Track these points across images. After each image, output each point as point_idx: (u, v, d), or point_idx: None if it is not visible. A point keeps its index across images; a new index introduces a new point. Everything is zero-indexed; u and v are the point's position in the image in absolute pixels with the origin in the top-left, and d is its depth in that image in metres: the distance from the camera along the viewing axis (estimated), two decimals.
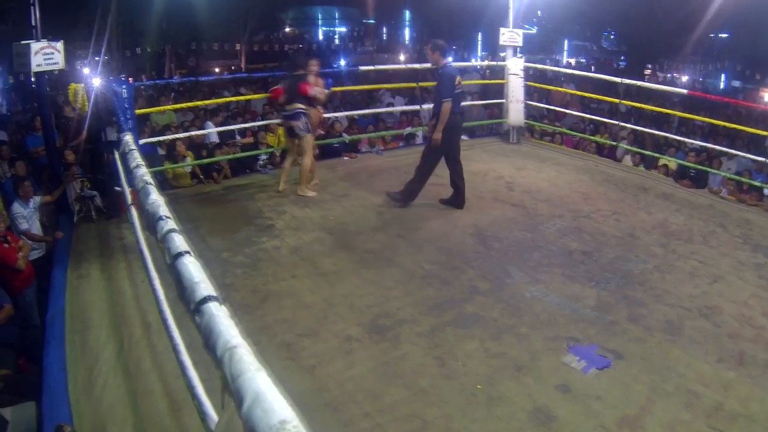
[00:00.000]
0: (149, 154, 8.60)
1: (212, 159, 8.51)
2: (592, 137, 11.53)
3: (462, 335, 4.49)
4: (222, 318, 2.05)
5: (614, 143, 10.90)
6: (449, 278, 5.38)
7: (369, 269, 5.53)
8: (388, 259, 5.71)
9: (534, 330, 4.59)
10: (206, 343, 1.98)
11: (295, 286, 5.23)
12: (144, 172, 4.45)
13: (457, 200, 7.10)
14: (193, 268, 2.52)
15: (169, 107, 11.02)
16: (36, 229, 7.05)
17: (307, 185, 7.49)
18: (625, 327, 4.71)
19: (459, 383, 3.95)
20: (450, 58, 7.06)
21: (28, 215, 6.91)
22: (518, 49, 10.42)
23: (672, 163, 10.01)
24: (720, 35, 29.38)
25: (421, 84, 10.62)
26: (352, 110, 12.10)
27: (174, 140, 8.61)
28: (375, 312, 4.77)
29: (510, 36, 10.15)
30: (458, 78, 6.86)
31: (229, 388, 1.72)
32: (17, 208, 6.86)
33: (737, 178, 8.96)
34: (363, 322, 4.64)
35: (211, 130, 9.90)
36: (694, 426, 3.65)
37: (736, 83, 29.87)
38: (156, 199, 3.62)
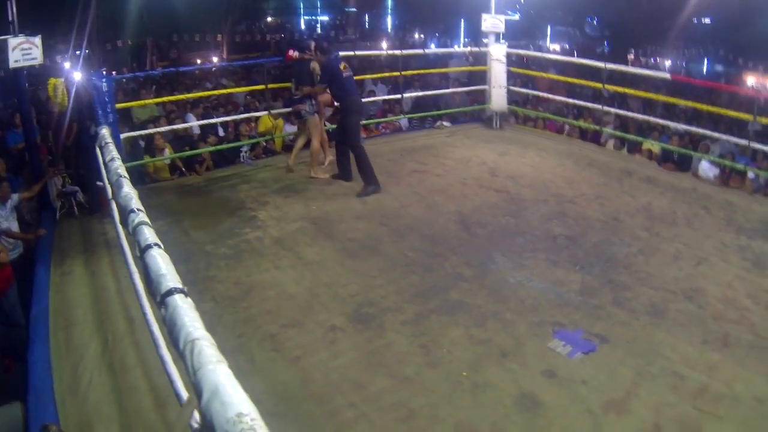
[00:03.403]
0: (132, 147, 8.55)
1: (192, 152, 8.44)
2: (575, 122, 11.50)
3: (446, 322, 4.47)
4: (186, 310, 2.03)
5: (597, 128, 10.88)
6: (433, 265, 5.36)
7: (352, 258, 5.51)
8: (371, 248, 5.68)
9: (519, 316, 4.58)
10: (170, 335, 1.97)
11: (279, 276, 5.20)
12: (118, 165, 4.42)
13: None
14: (160, 260, 2.51)
15: (150, 101, 10.87)
16: (15, 227, 6.95)
17: (319, 166, 7.86)
18: (609, 311, 4.70)
19: (444, 371, 3.94)
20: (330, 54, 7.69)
21: (5, 215, 6.80)
22: (501, 35, 10.37)
23: (656, 147, 10.01)
24: (703, 20, 29.45)
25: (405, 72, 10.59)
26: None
27: (154, 133, 8.51)
28: (359, 301, 4.75)
29: (492, 22, 10.11)
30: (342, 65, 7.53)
31: (190, 381, 1.70)
32: None
33: (721, 160, 8.97)
34: (347, 311, 4.62)
35: (193, 123, 9.79)
36: (679, 408, 3.66)
37: (719, 68, 29.99)
38: (128, 192, 3.63)
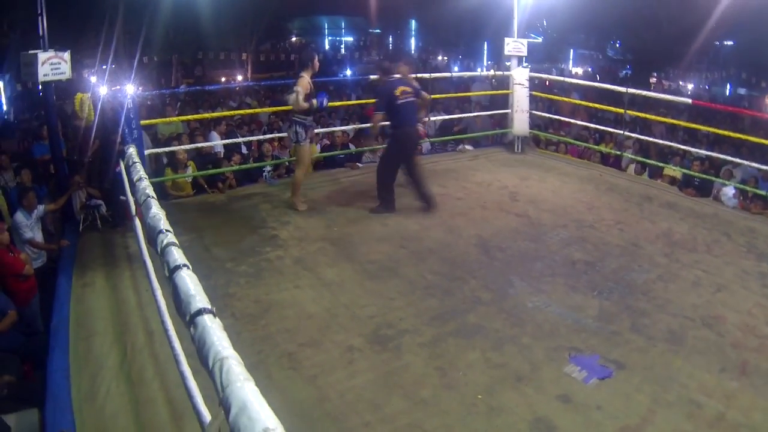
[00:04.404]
0: (156, 163, 8.68)
1: (215, 171, 8.54)
2: (596, 146, 11.51)
3: (463, 345, 4.49)
4: (215, 330, 2.11)
5: (619, 152, 10.88)
6: (452, 288, 5.39)
7: (371, 280, 5.54)
8: (390, 270, 5.71)
9: (536, 340, 4.59)
10: (199, 354, 2.05)
11: (298, 296, 5.24)
12: (146, 185, 4.51)
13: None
14: (189, 281, 2.59)
15: (174, 119, 11.05)
16: (39, 238, 7.10)
17: (298, 197, 7.34)
18: (627, 337, 4.70)
19: (459, 393, 3.96)
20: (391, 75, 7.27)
21: (30, 225, 6.97)
22: (523, 59, 10.43)
23: (677, 172, 9.99)
24: (725, 43, 29.34)
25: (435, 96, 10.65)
26: (358, 121, 12.13)
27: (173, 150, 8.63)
28: (377, 322, 4.78)
29: (515, 46, 10.18)
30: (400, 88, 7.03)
31: (218, 397, 1.79)
32: (20, 217, 6.94)
33: (742, 186, 8.94)
34: (365, 332, 4.65)
35: (217, 143, 9.93)
36: None
37: (742, 91, 29.83)
38: (156, 212, 3.69)
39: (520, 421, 3.71)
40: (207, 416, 2.35)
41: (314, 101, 6.96)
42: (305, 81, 6.90)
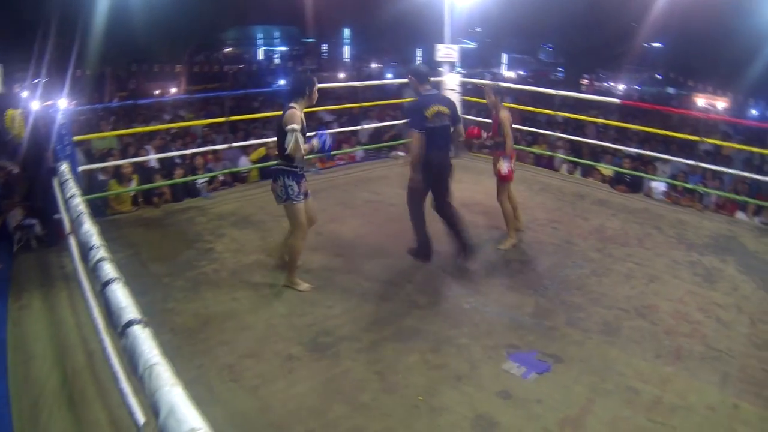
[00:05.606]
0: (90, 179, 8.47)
1: (162, 183, 8.39)
2: (529, 148, 11.68)
3: (402, 349, 4.49)
4: (144, 339, 2.16)
5: (551, 153, 11.07)
6: (388, 294, 5.39)
7: (309, 289, 5.50)
8: (326, 279, 5.68)
9: (473, 340, 4.62)
10: (130, 363, 2.10)
11: (236, 308, 5.17)
12: (79, 202, 4.41)
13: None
14: (120, 294, 2.59)
15: (108, 134, 10.82)
16: None
17: (295, 273, 5.58)
18: (563, 332, 4.78)
19: (400, 396, 3.96)
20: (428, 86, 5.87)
21: None
22: (455, 65, 10.53)
23: (608, 170, 10.21)
24: (654, 45, 30.25)
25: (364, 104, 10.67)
26: None
27: (115, 164, 8.45)
28: (315, 330, 4.75)
29: (446, 52, 10.26)
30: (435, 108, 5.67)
31: (148, 402, 1.84)
32: None
33: (672, 181, 9.19)
34: (303, 340, 4.61)
35: (152, 157, 9.77)
36: (634, 421, 3.75)
37: (671, 90, 30.79)
38: (89, 228, 3.64)
39: (462, 419, 3.73)
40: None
41: (315, 142, 5.29)
42: (298, 116, 5.08)
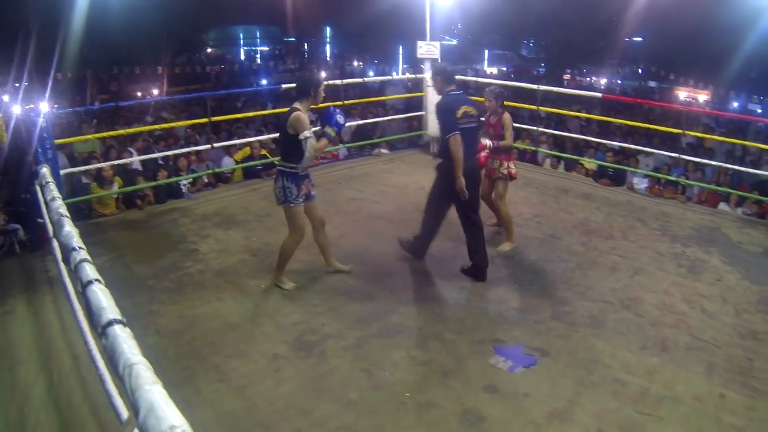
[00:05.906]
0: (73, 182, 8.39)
1: (145, 185, 8.31)
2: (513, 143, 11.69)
3: (388, 346, 4.48)
4: (124, 339, 2.16)
5: (534, 148, 11.09)
6: (373, 291, 5.38)
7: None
8: (311, 277, 5.66)
9: (459, 335, 4.62)
10: (110, 362, 2.10)
11: (221, 308, 5.14)
12: (59, 205, 4.38)
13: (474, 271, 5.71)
14: (101, 294, 2.59)
15: (90, 136, 10.72)
16: None
17: (282, 271, 5.52)
18: (549, 325, 4.79)
19: (387, 393, 3.95)
20: (453, 86, 5.56)
21: None
22: (437, 61, 10.51)
23: (591, 164, 10.25)
24: (634, 39, 30.42)
25: (346, 102, 10.63)
26: (274, 131, 12.00)
27: (98, 167, 8.37)
28: (301, 329, 4.73)
29: (427, 49, 10.25)
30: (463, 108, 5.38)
31: (129, 401, 1.85)
32: None
33: (653, 173, 9.23)
34: (289, 339, 4.59)
35: (134, 159, 9.69)
36: (621, 413, 3.77)
37: (652, 83, 31.00)
38: (69, 230, 3.65)
39: (449, 414, 3.73)
40: None
41: (328, 129, 5.17)
42: (306, 120, 4.96)
